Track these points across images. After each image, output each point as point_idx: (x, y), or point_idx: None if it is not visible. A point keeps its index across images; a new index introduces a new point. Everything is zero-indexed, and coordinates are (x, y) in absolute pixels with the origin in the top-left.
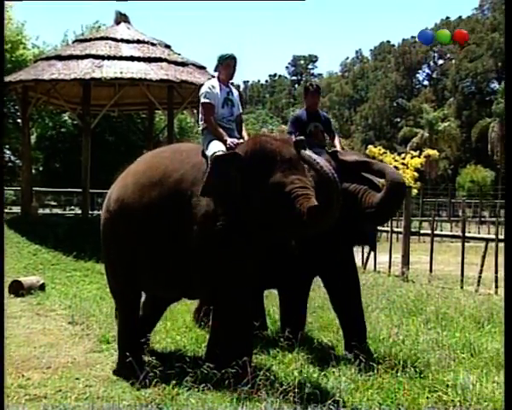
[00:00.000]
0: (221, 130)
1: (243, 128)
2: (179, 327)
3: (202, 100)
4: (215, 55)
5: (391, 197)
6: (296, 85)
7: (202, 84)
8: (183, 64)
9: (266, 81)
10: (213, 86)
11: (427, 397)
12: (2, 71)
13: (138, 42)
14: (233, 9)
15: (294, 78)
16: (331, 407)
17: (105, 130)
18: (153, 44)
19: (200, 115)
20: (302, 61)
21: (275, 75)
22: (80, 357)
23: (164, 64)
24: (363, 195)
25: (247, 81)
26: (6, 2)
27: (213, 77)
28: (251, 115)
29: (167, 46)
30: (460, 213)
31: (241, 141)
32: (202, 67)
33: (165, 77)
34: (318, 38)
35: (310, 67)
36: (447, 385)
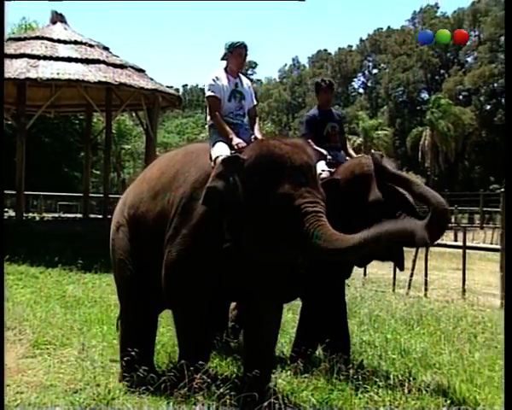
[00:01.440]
0: (228, 127)
1: (256, 123)
2: (116, 331)
3: (207, 93)
4: (153, 58)
5: (435, 225)
6: None
7: (142, 88)
8: (122, 66)
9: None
10: (218, 78)
11: (360, 398)
12: (3, 70)
13: (76, 43)
14: (172, 11)
15: None
16: (267, 409)
17: (41, 131)
18: (91, 46)
19: (207, 110)
20: None
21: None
22: (12, 363)
23: (102, 66)
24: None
25: (186, 85)
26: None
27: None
28: (190, 119)
29: (105, 48)
30: None
31: (250, 141)
32: (141, 70)
33: (104, 79)
34: (257, 45)
35: (249, 72)
36: (378, 386)
